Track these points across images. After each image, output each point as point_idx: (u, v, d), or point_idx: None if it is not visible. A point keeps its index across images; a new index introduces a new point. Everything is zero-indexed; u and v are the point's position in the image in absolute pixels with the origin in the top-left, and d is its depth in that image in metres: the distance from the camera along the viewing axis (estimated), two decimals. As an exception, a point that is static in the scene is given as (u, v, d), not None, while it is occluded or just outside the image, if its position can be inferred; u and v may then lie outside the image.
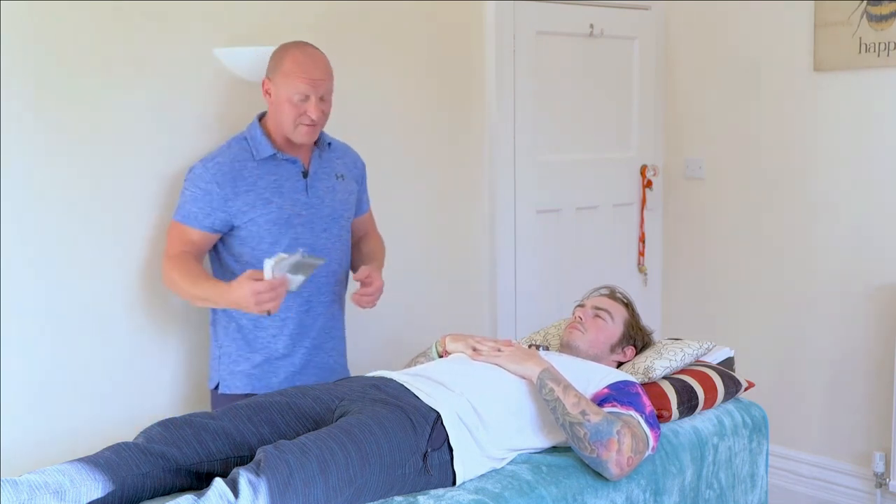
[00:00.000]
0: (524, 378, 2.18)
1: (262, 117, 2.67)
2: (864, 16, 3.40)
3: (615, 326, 2.51)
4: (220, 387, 2.65)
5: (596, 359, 2.45)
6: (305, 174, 2.65)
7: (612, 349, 2.50)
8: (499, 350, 2.28)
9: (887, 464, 3.46)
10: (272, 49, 2.79)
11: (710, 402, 2.46)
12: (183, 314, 2.82)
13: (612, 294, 2.62)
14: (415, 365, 2.48)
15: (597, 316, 2.51)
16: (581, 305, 2.57)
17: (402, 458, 1.91)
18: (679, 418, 2.40)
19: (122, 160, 2.67)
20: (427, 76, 3.31)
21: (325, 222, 2.67)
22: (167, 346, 2.80)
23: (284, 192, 2.61)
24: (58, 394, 2.61)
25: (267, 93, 2.59)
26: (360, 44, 3.13)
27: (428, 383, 2.14)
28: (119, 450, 1.85)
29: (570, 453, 2.15)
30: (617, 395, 2.17)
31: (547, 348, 2.51)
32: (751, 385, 2.64)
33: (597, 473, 2.09)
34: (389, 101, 3.21)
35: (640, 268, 4.13)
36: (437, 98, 3.36)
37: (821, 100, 3.60)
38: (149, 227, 2.73)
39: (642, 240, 4.11)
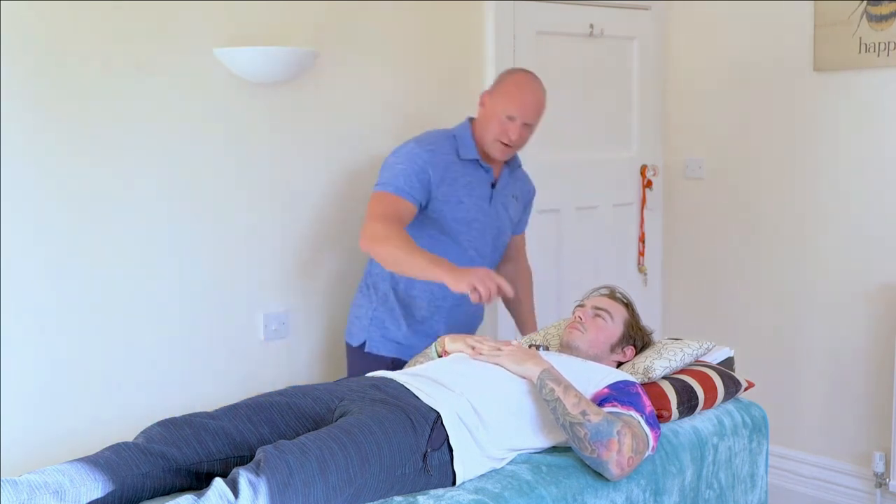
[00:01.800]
0: (524, 378, 2.17)
1: (472, 120, 2.84)
2: (864, 16, 3.40)
3: (615, 326, 2.51)
4: (366, 345, 2.84)
5: (596, 359, 2.45)
6: (493, 185, 2.83)
7: (612, 349, 2.50)
8: (499, 350, 2.28)
9: (887, 464, 3.46)
10: (272, 49, 2.80)
11: (710, 402, 2.46)
12: (182, 314, 2.82)
13: (612, 294, 2.61)
14: (414, 365, 2.48)
15: (597, 316, 2.51)
16: (581, 305, 2.57)
17: (401, 458, 1.91)
18: (679, 418, 2.40)
19: (123, 160, 2.67)
20: (427, 76, 3.31)
21: (493, 232, 2.85)
22: (167, 346, 2.80)
23: (473, 196, 2.78)
24: (58, 394, 2.61)
25: (482, 104, 2.78)
26: (360, 44, 3.13)
27: (428, 383, 2.13)
28: (119, 450, 1.85)
29: (570, 453, 2.15)
30: (617, 395, 2.17)
31: (547, 348, 2.51)
32: (751, 385, 2.64)
33: (597, 473, 2.09)
34: (389, 101, 3.21)
35: (640, 268, 4.12)
36: (438, 98, 3.36)
37: (821, 100, 3.60)
38: (149, 226, 2.73)
39: (642, 240, 4.11)
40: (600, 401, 2.16)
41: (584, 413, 2.04)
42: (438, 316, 2.83)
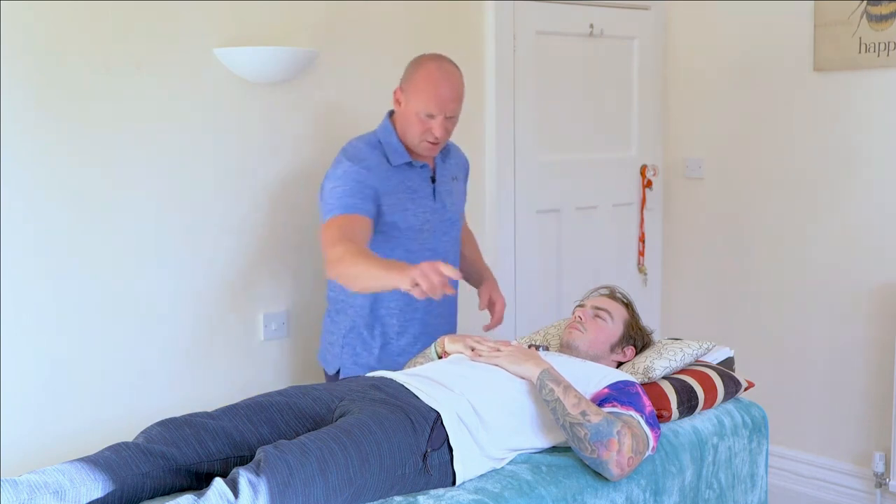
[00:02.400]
0: (524, 378, 2.17)
1: (391, 115, 2.68)
2: (864, 16, 3.40)
3: (615, 326, 2.51)
4: (340, 373, 2.75)
5: (595, 359, 2.45)
6: (433, 179, 2.70)
7: (612, 349, 2.50)
8: (498, 350, 2.28)
9: (887, 464, 3.46)
10: (272, 49, 2.79)
11: (709, 402, 2.46)
12: (182, 314, 2.82)
13: (613, 294, 2.61)
14: (414, 366, 2.48)
15: (597, 316, 2.51)
16: (581, 305, 2.57)
17: (401, 459, 1.91)
18: (679, 418, 2.39)
19: (123, 160, 2.67)
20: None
21: (446, 226, 2.74)
22: (167, 346, 2.80)
23: (417, 199, 2.66)
24: (58, 394, 2.61)
25: (397, 101, 2.62)
26: (360, 44, 3.13)
27: (428, 383, 2.13)
28: (119, 449, 1.85)
29: (570, 453, 2.14)
30: (617, 395, 2.17)
31: (547, 348, 2.51)
32: (751, 385, 2.64)
33: (597, 473, 2.09)
34: (389, 100, 3.20)
35: (640, 268, 4.12)
36: (437, 98, 3.36)
37: (821, 100, 3.60)
38: (148, 226, 2.73)
39: (642, 240, 4.11)
40: (600, 401, 2.16)
41: (584, 413, 2.04)
42: (412, 327, 2.72)
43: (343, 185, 2.56)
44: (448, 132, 2.60)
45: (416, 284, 2.13)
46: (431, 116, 2.54)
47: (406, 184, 2.65)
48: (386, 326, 2.72)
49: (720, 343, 2.76)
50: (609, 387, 2.21)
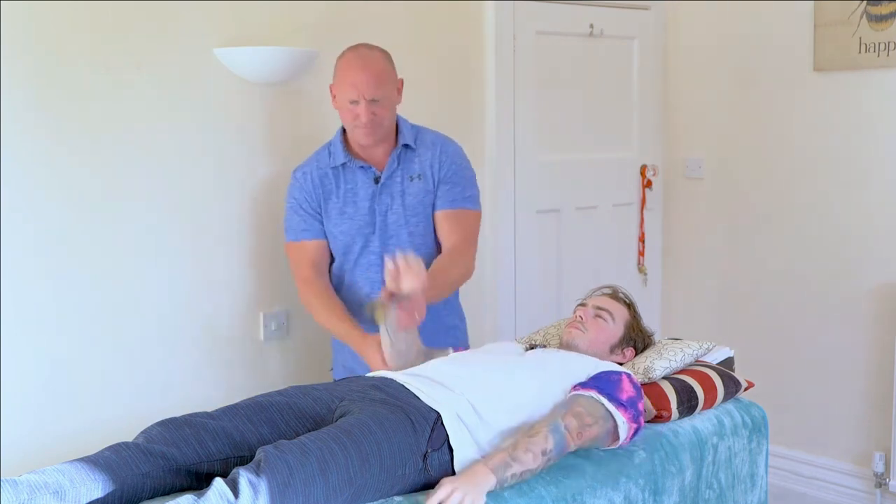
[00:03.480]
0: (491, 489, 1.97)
1: None
2: (864, 16, 3.40)
3: (616, 327, 2.50)
4: (333, 371, 2.81)
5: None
6: (377, 180, 2.65)
7: (612, 350, 2.49)
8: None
9: (887, 464, 3.46)
10: (272, 49, 2.80)
11: (709, 402, 2.46)
12: (182, 314, 2.82)
13: (614, 294, 2.61)
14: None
15: (598, 316, 2.50)
16: (582, 305, 2.57)
17: (402, 459, 1.91)
18: (679, 418, 2.39)
19: (122, 160, 2.67)
20: (427, 76, 3.31)
21: (393, 228, 2.65)
22: (167, 346, 2.80)
23: (358, 201, 2.65)
24: (58, 394, 2.61)
25: (333, 99, 2.62)
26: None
27: (428, 383, 2.13)
28: (119, 450, 1.85)
29: (570, 453, 2.14)
30: (588, 381, 2.19)
31: (545, 347, 2.51)
32: (751, 385, 2.64)
33: (596, 474, 2.09)
34: (389, 101, 3.21)
35: (640, 268, 4.12)
36: (438, 98, 3.36)
37: (821, 100, 3.60)
38: (148, 226, 2.73)
39: (642, 240, 4.11)
40: (573, 385, 2.18)
41: (543, 453, 2.00)
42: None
43: (288, 201, 2.69)
44: (376, 115, 2.53)
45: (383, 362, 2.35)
46: (355, 102, 2.53)
47: (347, 185, 2.66)
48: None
49: (720, 343, 2.76)
50: (591, 377, 2.21)
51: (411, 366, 2.31)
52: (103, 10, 2.59)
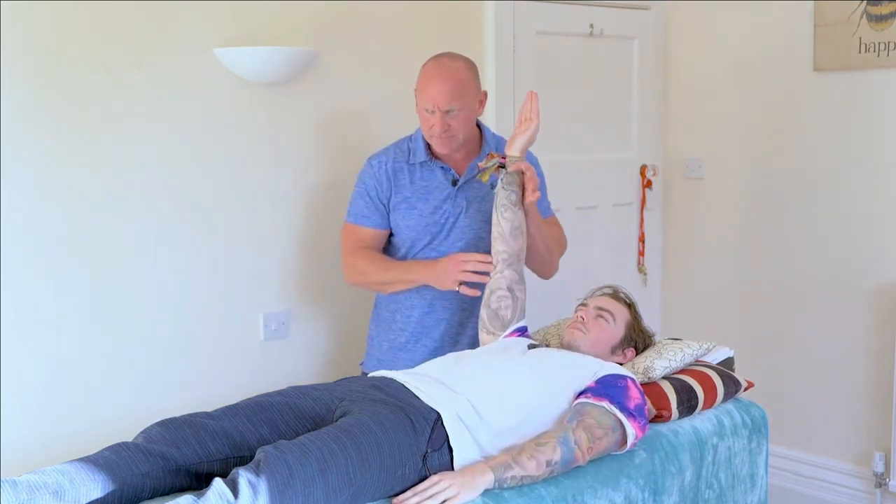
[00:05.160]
0: (488, 489, 1.97)
1: None
2: (864, 16, 3.40)
3: (617, 328, 2.50)
4: (363, 364, 2.85)
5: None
6: (455, 182, 2.68)
7: (613, 350, 2.49)
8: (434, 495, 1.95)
9: (887, 464, 3.46)
10: (272, 49, 2.80)
11: (709, 402, 2.46)
12: (182, 314, 2.82)
13: (616, 294, 2.61)
14: None
15: (599, 316, 2.50)
16: (584, 305, 2.57)
17: (401, 459, 1.91)
18: (679, 418, 2.40)
19: (122, 160, 2.67)
20: (427, 76, 3.31)
21: (463, 231, 2.69)
22: (167, 346, 2.80)
23: (430, 199, 2.67)
24: (58, 394, 2.61)
25: (417, 102, 2.64)
26: (360, 44, 3.13)
27: (428, 382, 2.13)
28: (118, 450, 1.85)
29: (570, 453, 2.15)
30: (597, 387, 2.18)
31: (547, 346, 2.51)
32: (750, 385, 2.64)
33: (596, 474, 2.09)
34: (389, 100, 3.21)
35: (640, 268, 4.12)
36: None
37: (821, 100, 3.60)
38: (149, 226, 2.73)
39: (642, 240, 4.11)
40: (579, 392, 2.18)
41: (548, 463, 2.01)
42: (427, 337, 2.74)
43: (357, 186, 2.74)
44: (451, 127, 2.57)
45: (460, 283, 2.42)
46: (430, 112, 2.56)
47: (422, 182, 2.68)
48: (394, 323, 2.77)
49: (720, 343, 2.76)
50: (597, 381, 2.21)
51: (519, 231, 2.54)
52: (103, 10, 2.59)
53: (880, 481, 3.48)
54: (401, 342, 2.75)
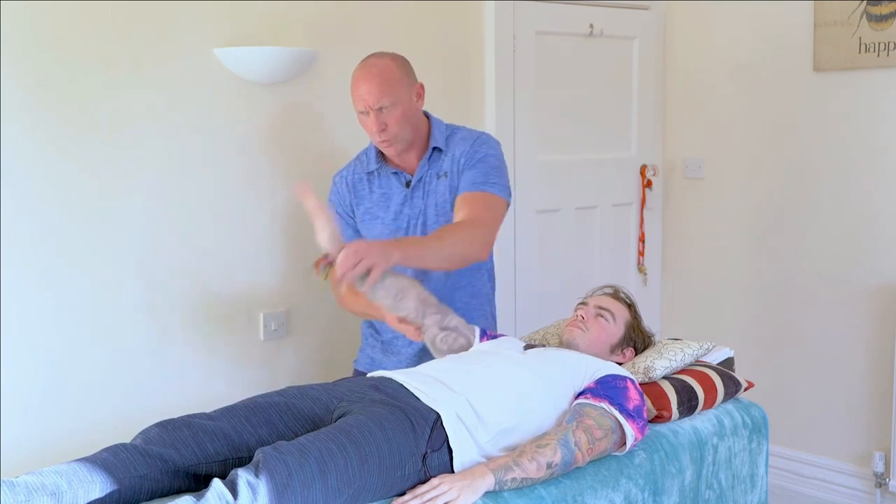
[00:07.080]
0: (489, 490, 1.97)
1: None
2: (864, 16, 3.40)
3: (616, 327, 2.50)
4: (356, 362, 2.81)
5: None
6: (408, 184, 2.63)
7: (613, 350, 2.49)
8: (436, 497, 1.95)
9: (887, 464, 3.46)
10: (272, 49, 2.80)
11: (709, 402, 2.46)
12: (182, 314, 2.82)
13: (616, 294, 2.61)
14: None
15: (599, 315, 2.50)
16: (583, 304, 2.57)
17: (401, 460, 1.91)
18: (679, 418, 2.39)
19: (122, 160, 2.67)
20: (427, 76, 3.29)
21: (427, 231, 2.61)
22: (167, 347, 2.80)
23: (390, 206, 2.63)
24: (56, 395, 2.61)
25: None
26: (360, 44, 3.12)
27: (427, 382, 2.13)
28: (117, 451, 1.84)
29: (570, 454, 2.15)
30: (596, 388, 2.18)
31: (545, 346, 2.50)
32: (750, 385, 2.64)
33: (596, 474, 2.09)
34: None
35: (640, 268, 4.12)
36: (437, 98, 3.34)
37: (821, 100, 3.60)
38: (148, 226, 2.73)
39: (642, 240, 4.11)
40: (579, 393, 2.18)
41: (548, 465, 2.00)
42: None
43: (328, 205, 2.67)
44: (388, 125, 2.48)
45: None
46: (364, 113, 2.50)
47: (380, 190, 2.65)
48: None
49: (720, 343, 2.76)
50: (597, 381, 2.21)
51: (431, 319, 2.42)
52: (103, 10, 2.59)
53: (880, 481, 3.48)
54: (389, 339, 2.74)
